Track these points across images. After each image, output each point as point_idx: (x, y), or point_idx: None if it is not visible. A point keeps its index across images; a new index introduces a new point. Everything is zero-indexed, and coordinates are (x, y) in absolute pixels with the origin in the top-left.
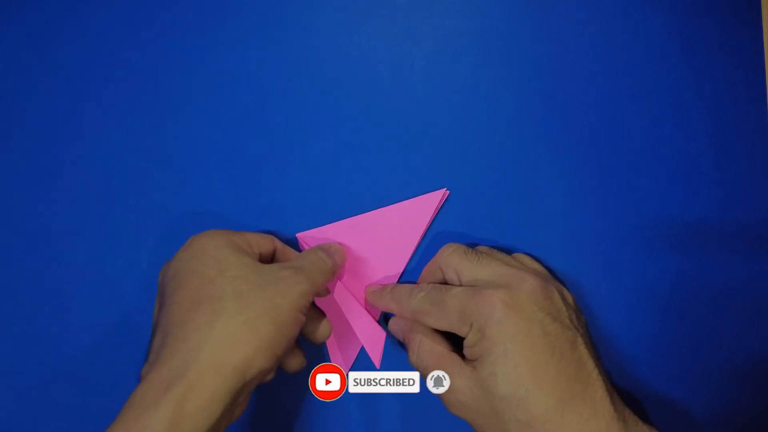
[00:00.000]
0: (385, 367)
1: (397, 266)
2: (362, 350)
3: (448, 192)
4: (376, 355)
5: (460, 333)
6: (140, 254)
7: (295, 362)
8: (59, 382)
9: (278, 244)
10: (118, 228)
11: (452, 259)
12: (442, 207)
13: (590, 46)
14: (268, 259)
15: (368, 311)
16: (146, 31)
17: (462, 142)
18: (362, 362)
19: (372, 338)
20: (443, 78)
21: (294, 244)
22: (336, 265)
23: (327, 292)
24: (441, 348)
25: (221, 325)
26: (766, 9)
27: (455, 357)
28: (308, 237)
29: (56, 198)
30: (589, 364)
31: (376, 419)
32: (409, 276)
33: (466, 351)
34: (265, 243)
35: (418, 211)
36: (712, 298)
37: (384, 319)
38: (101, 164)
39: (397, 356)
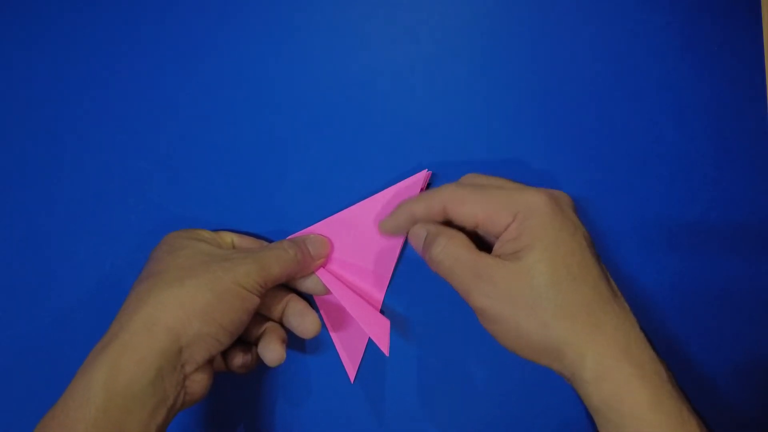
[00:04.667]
0: (394, 355)
1: (391, 255)
2: (370, 341)
3: (430, 173)
4: (383, 344)
5: (497, 225)
6: (140, 254)
7: (239, 359)
8: (60, 382)
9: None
10: (118, 228)
11: (482, 177)
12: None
13: (590, 46)
14: None
15: (369, 302)
16: (146, 32)
17: (462, 143)
18: (372, 353)
19: (377, 328)
20: (443, 78)
21: None
22: (305, 254)
23: (322, 288)
24: (471, 244)
25: (157, 291)
26: (766, 9)
27: (486, 253)
28: None
29: (56, 198)
30: (612, 281)
31: (382, 410)
32: (404, 264)
33: (502, 246)
34: (247, 243)
35: (403, 196)
36: (712, 298)
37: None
38: (101, 164)
39: (406, 341)
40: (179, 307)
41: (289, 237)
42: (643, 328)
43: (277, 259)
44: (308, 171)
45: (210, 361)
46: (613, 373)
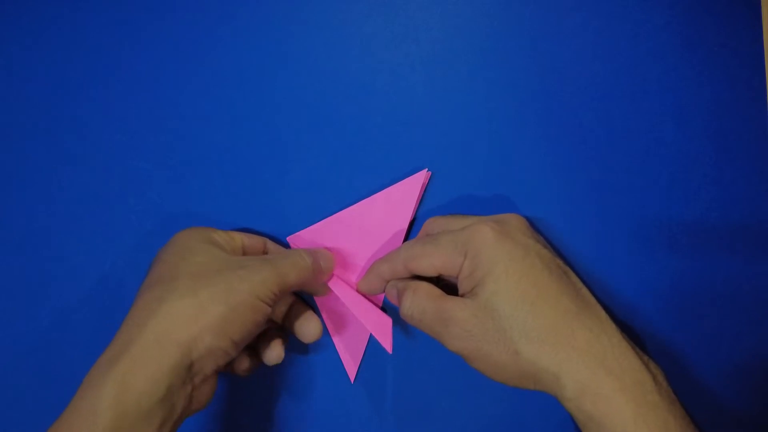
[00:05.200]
0: (394, 354)
1: None
2: (370, 340)
3: (429, 173)
4: (386, 342)
5: (453, 268)
6: (140, 254)
7: (245, 364)
8: (60, 383)
9: (270, 245)
10: (118, 228)
11: (439, 221)
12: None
13: (590, 46)
14: None
15: (371, 300)
16: (146, 32)
17: (462, 143)
18: (372, 352)
19: (379, 326)
20: (443, 78)
21: (289, 247)
22: (318, 265)
23: (323, 289)
24: (435, 291)
25: (169, 302)
26: (766, 9)
27: (449, 295)
28: (298, 238)
29: (56, 198)
30: (585, 290)
31: (382, 410)
32: None
33: (462, 285)
34: (255, 243)
35: (402, 196)
36: (712, 298)
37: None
38: (101, 164)
39: (407, 340)
40: (192, 321)
41: (288, 237)
42: (624, 334)
43: (294, 266)
44: (308, 171)
45: (216, 371)
46: (591, 388)
